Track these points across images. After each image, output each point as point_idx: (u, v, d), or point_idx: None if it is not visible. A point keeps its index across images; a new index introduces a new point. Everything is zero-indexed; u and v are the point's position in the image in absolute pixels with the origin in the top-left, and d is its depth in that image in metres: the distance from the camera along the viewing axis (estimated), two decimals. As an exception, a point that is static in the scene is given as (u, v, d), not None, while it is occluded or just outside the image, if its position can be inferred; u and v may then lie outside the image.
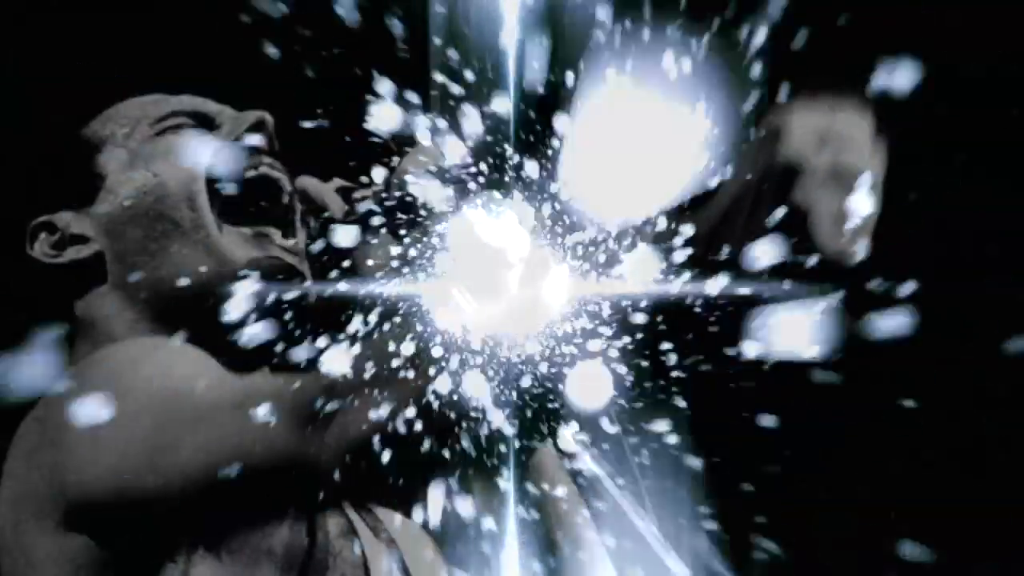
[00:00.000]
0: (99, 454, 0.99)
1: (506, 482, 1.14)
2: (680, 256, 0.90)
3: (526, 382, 1.03)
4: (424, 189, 1.08)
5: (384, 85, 1.03)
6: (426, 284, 0.99)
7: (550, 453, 1.16)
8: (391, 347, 0.94)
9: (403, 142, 1.09)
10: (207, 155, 1.21)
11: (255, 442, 0.96)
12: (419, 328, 0.95)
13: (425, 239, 1.04)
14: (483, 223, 0.99)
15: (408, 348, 0.93)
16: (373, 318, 0.99)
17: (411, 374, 0.93)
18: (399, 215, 1.07)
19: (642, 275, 0.87)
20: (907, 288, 0.98)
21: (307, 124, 1.28)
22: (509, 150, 1.07)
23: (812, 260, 0.86)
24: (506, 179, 1.06)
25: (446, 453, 1.02)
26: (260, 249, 1.21)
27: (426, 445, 0.94)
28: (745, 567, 1.42)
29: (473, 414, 0.97)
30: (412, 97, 1.06)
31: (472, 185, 1.09)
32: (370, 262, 1.06)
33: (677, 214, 0.90)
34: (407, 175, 1.11)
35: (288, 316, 1.14)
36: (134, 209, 1.19)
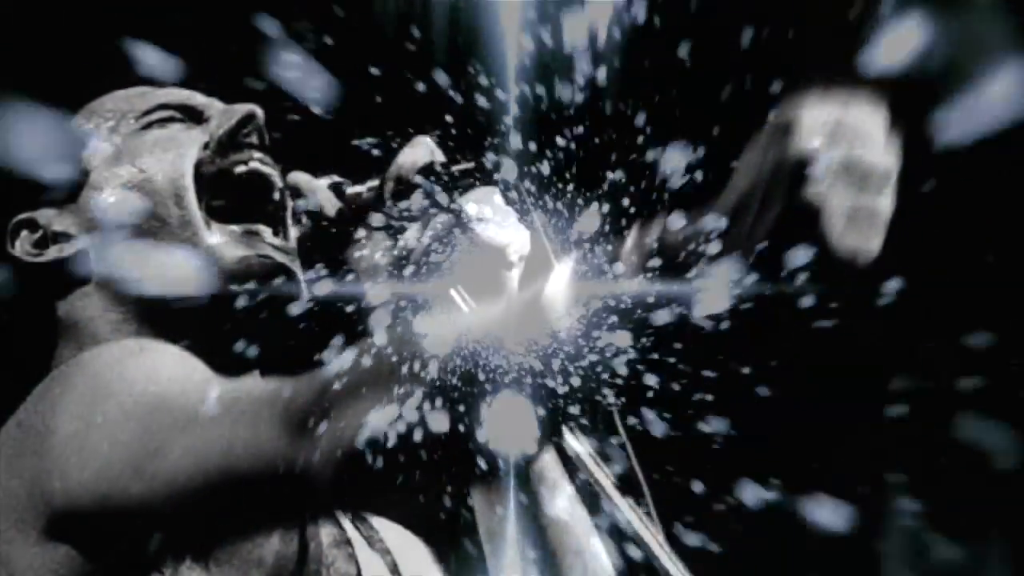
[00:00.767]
0: (84, 460, 0.96)
1: (506, 489, 1.12)
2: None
3: (526, 384, 1.00)
4: (420, 185, 1.06)
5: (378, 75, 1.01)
6: (425, 284, 0.97)
7: (552, 459, 1.15)
8: (387, 351, 0.91)
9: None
10: (195, 150, 1.19)
11: (245, 448, 0.93)
12: (416, 331, 0.92)
13: (423, 238, 1.02)
14: (482, 221, 0.98)
15: (405, 352, 0.90)
16: (368, 320, 0.98)
17: (407, 378, 0.91)
18: (396, 213, 1.05)
19: (719, 291, 0.83)
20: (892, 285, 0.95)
21: (298, 118, 1.26)
22: (507, 144, 1.05)
23: (821, 260, 0.83)
24: (505, 177, 1.04)
25: (443, 460, 0.99)
26: (250, 247, 1.18)
27: (422, 452, 0.91)
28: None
29: (471, 419, 0.94)
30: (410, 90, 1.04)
31: (469, 181, 1.08)
32: (365, 262, 1.04)
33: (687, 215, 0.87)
34: (403, 171, 1.09)
35: (279, 317, 1.13)
36: (119, 206, 1.17)
